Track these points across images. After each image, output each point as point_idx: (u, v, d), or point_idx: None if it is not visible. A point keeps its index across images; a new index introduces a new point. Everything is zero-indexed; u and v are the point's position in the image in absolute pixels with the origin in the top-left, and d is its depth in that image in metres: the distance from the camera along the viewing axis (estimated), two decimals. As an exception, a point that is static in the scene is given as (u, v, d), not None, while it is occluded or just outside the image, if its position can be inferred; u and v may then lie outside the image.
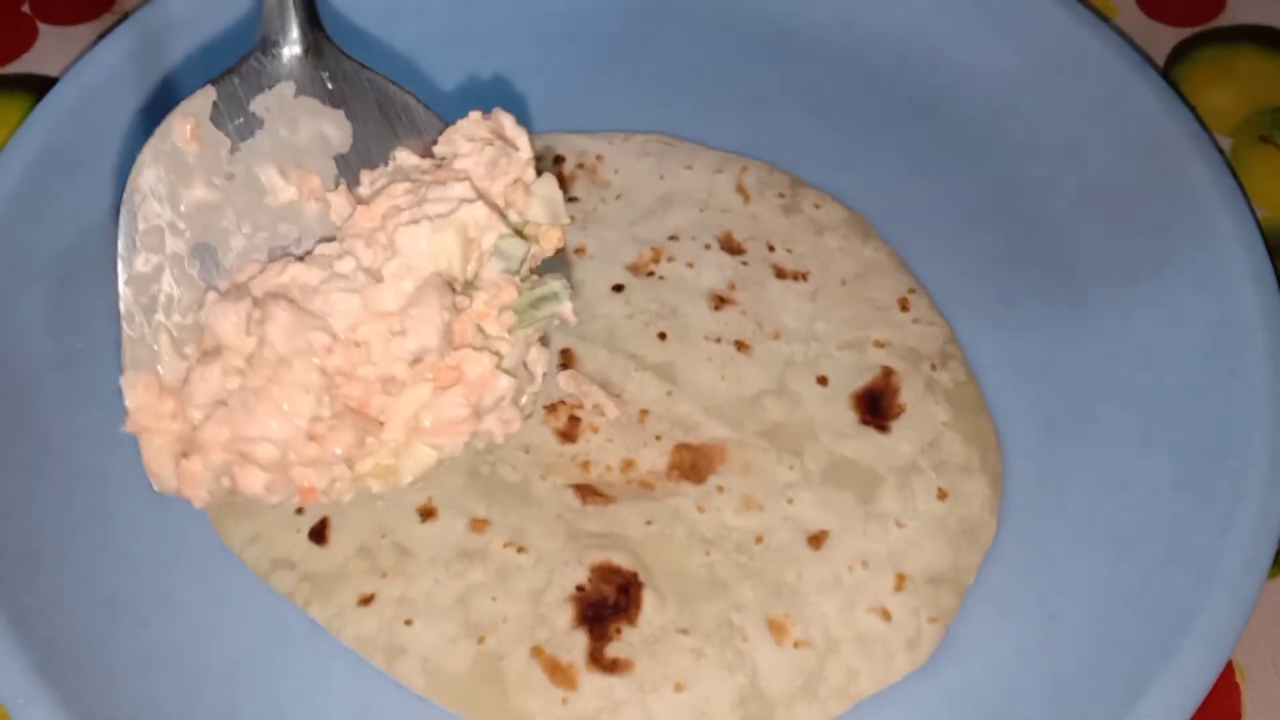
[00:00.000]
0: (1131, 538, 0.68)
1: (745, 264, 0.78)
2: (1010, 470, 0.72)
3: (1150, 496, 0.69)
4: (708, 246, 0.79)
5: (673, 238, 0.79)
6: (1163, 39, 0.92)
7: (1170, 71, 0.90)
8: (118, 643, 0.66)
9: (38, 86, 0.88)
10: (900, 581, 0.67)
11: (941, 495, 0.70)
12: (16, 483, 0.69)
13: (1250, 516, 0.65)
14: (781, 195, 0.82)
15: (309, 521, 0.69)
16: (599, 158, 0.83)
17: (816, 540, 0.68)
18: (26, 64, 0.91)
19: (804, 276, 0.78)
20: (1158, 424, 0.71)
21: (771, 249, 0.79)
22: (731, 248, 0.79)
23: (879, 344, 0.75)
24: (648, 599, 0.66)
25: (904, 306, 0.77)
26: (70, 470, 0.71)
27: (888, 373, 0.74)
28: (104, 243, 0.75)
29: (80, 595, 0.67)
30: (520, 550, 0.68)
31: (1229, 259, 0.74)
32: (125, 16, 0.85)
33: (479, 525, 0.68)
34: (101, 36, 0.83)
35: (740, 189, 0.82)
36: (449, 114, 0.64)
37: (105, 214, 0.77)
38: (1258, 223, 0.75)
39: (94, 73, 0.81)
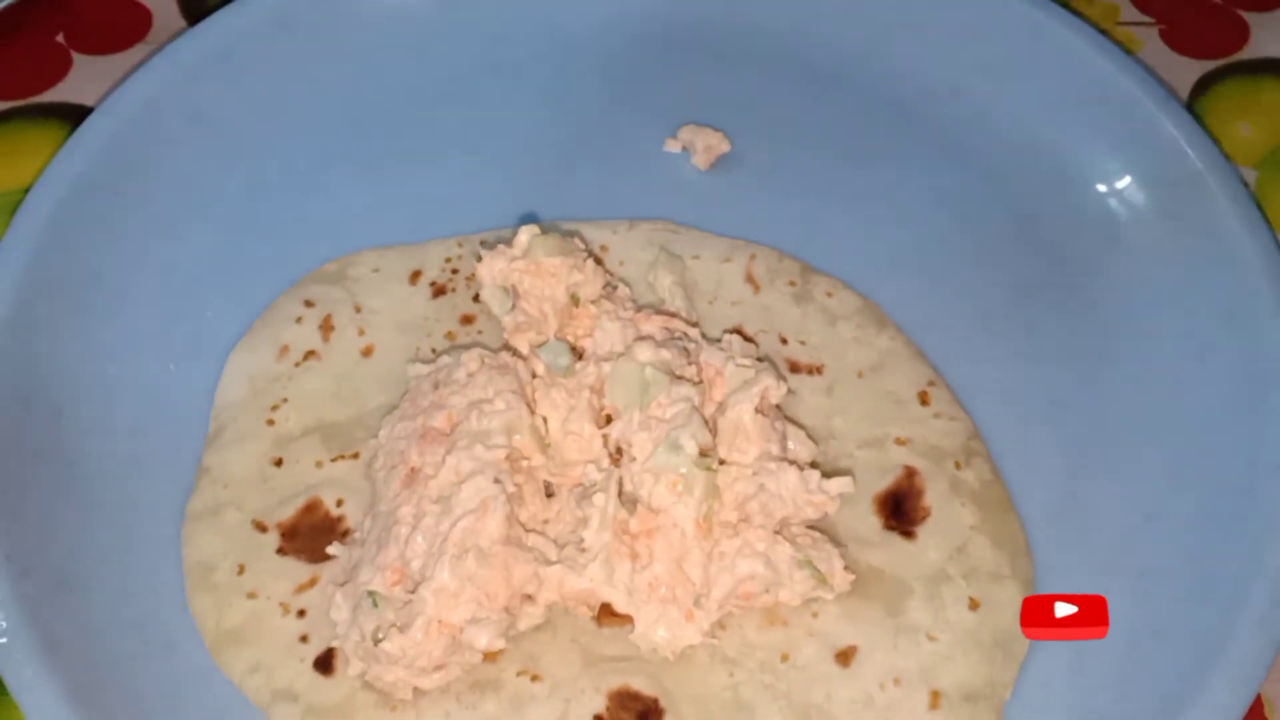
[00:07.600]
0: (1159, 572, 0.67)
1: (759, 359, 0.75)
2: (1035, 503, 0.70)
3: (1178, 531, 0.68)
4: (719, 342, 0.76)
5: (683, 334, 0.76)
6: (1186, 72, 0.91)
7: (1194, 104, 0.90)
8: (146, 667, 0.65)
9: (72, 115, 0.89)
10: (935, 699, 0.64)
11: (973, 605, 0.67)
12: (49, 508, 0.68)
13: (1278, 550, 0.65)
14: (792, 283, 0.79)
15: (314, 650, 0.66)
16: (604, 248, 0.80)
17: (844, 657, 0.65)
18: (61, 93, 0.92)
19: (819, 370, 0.75)
20: (1184, 459, 0.71)
21: (784, 342, 0.76)
22: (743, 342, 0.76)
23: (900, 441, 0.72)
24: (670, 727, 0.63)
25: (924, 400, 0.74)
26: (102, 496, 0.70)
27: (910, 473, 0.71)
28: (137, 269, 0.77)
29: (110, 620, 0.66)
30: (534, 678, 0.64)
31: (1254, 292, 0.74)
32: (159, 47, 0.86)
33: (491, 654, 0.65)
34: (135, 67, 0.85)
35: (750, 279, 0.79)
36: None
37: (140, 242, 0.78)
38: (1284, 255, 0.75)
39: (128, 102, 0.82)
